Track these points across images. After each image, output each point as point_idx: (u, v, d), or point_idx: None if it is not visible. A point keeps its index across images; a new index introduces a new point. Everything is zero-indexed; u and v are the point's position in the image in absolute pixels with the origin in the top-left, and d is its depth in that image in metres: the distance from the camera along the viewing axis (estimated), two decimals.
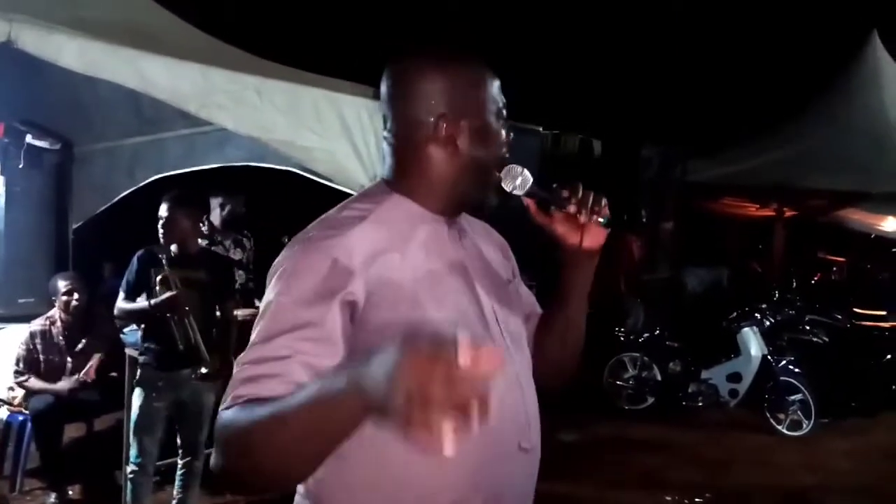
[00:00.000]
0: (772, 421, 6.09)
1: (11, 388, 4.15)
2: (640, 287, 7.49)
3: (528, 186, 1.29)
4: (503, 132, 1.30)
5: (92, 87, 4.06)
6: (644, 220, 7.28)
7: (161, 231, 3.47)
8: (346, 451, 1.06)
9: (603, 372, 6.77)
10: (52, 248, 5.48)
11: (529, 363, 1.35)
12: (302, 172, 3.98)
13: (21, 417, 4.07)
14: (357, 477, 1.16)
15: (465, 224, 1.36)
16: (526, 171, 1.30)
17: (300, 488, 1.25)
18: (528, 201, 1.32)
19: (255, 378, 1.08)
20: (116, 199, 5.52)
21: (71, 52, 2.52)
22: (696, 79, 9.53)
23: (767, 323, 6.55)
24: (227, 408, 1.09)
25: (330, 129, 3.50)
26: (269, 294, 1.16)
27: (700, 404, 6.51)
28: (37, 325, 4.19)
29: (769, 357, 6.29)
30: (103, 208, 5.67)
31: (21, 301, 4.30)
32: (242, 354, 1.14)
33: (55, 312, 4.24)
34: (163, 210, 3.46)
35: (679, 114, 9.08)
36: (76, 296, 4.22)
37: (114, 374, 4.16)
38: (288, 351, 1.09)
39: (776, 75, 10.70)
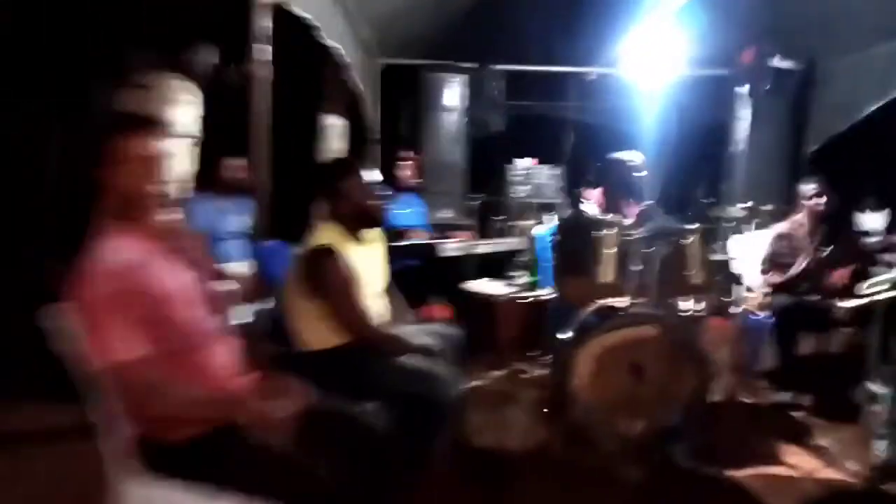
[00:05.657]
0: None
1: (749, 290, 4.24)
2: None
3: None
4: None
5: None
6: None
7: None
8: None
9: None
10: (786, 169, 5.54)
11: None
12: None
13: (753, 317, 4.11)
14: None
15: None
16: None
17: None
18: None
19: None
20: (860, 116, 5.13)
21: None
22: None
23: None
24: None
25: None
26: None
27: None
28: (783, 227, 4.21)
29: None
30: (843, 129, 5.35)
31: (762, 208, 4.36)
32: None
33: (802, 216, 4.19)
34: None
35: None
36: (823, 199, 4.10)
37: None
38: None
39: None
